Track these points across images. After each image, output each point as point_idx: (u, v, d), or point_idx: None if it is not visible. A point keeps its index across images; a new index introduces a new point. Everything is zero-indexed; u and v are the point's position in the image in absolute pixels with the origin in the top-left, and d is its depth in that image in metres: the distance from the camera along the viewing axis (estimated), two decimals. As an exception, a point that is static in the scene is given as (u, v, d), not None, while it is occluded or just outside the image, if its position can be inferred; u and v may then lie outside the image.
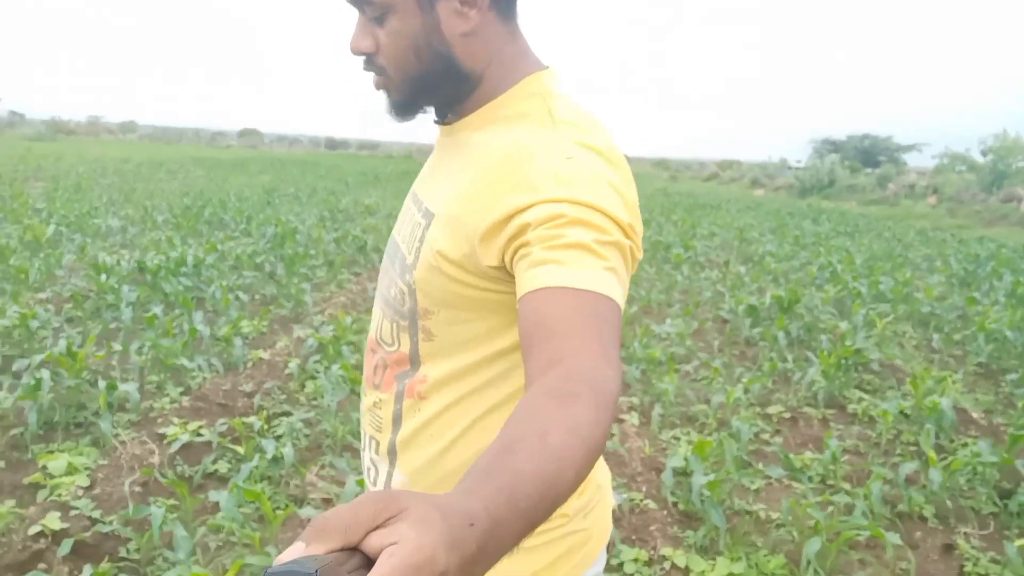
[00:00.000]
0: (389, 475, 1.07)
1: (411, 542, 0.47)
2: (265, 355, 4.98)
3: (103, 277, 5.89)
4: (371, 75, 0.99)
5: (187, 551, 2.55)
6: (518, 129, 0.92)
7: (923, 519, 3.51)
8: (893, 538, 2.91)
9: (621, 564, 2.85)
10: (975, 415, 4.62)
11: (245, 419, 3.78)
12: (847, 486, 3.78)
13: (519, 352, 0.82)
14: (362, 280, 8.12)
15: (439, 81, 0.95)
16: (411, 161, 54.85)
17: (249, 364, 4.83)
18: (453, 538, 0.49)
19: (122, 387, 3.75)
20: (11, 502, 3.02)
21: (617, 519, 3.17)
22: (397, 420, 1.04)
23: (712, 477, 3.11)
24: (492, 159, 0.91)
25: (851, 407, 4.96)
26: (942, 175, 26.74)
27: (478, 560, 0.52)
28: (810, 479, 3.92)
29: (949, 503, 3.55)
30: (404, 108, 0.99)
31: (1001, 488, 3.75)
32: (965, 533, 3.43)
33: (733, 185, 39.67)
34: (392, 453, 1.05)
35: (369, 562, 0.47)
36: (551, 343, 0.73)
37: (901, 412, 4.54)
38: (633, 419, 4.39)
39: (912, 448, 4.34)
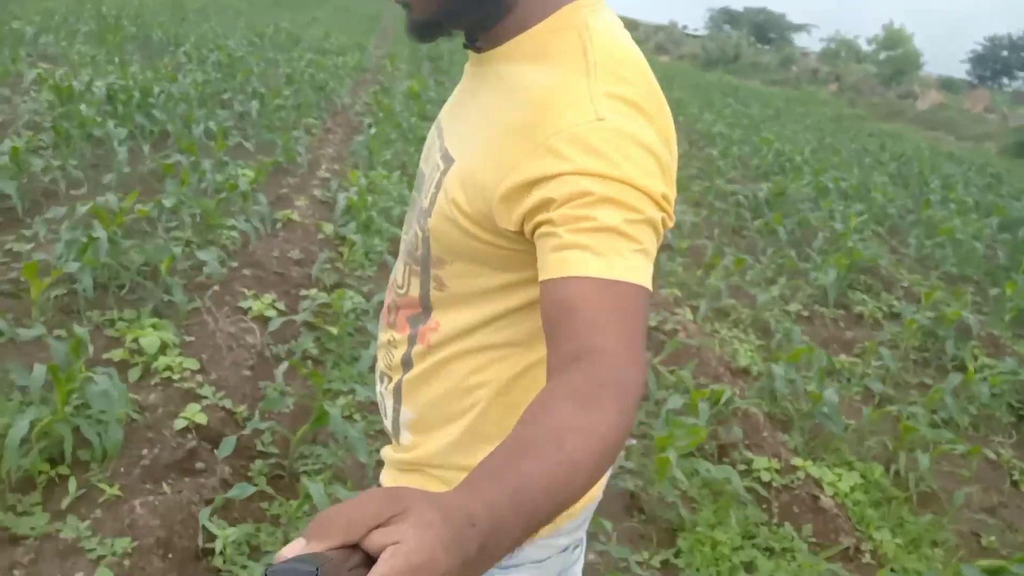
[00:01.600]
0: (396, 411, 1.07)
1: (412, 542, 0.47)
2: (294, 216, 4.63)
3: (82, 107, 5.15)
4: None
5: (365, 453, 2.42)
6: (549, 71, 0.85)
7: (960, 428, 3.84)
8: (988, 452, 3.18)
9: (753, 470, 2.97)
10: (971, 324, 5.01)
11: (330, 294, 3.56)
12: (892, 391, 4.06)
13: (538, 316, 0.80)
14: (331, 126, 7.59)
15: (468, 2, 0.87)
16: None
17: (279, 226, 4.49)
18: (454, 539, 0.49)
19: (200, 254, 3.40)
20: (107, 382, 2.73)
21: (725, 421, 3.25)
22: (407, 362, 1.02)
23: (835, 392, 3.24)
24: (517, 106, 0.84)
25: (856, 308, 5.26)
26: (842, 63, 27.62)
27: (478, 560, 0.52)
28: (849, 380, 4.19)
29: (983, 414, 3.90)
30: (426, 28, 0.91)
31: (1017, 396, 4.16)
32: (999, 442, 3.81)
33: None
34: (398, 392, 1.05)
35: (370, 560, 0.47)
36: (576, 336, 0.72)
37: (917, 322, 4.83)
38: (687, 313, 4.47)
39: (924, 354, 4.69)
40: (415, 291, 0.99)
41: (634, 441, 3.02)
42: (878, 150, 13.17)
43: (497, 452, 0.61)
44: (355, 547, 0.47)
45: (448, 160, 0.92)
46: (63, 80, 5.81)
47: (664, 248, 5.48)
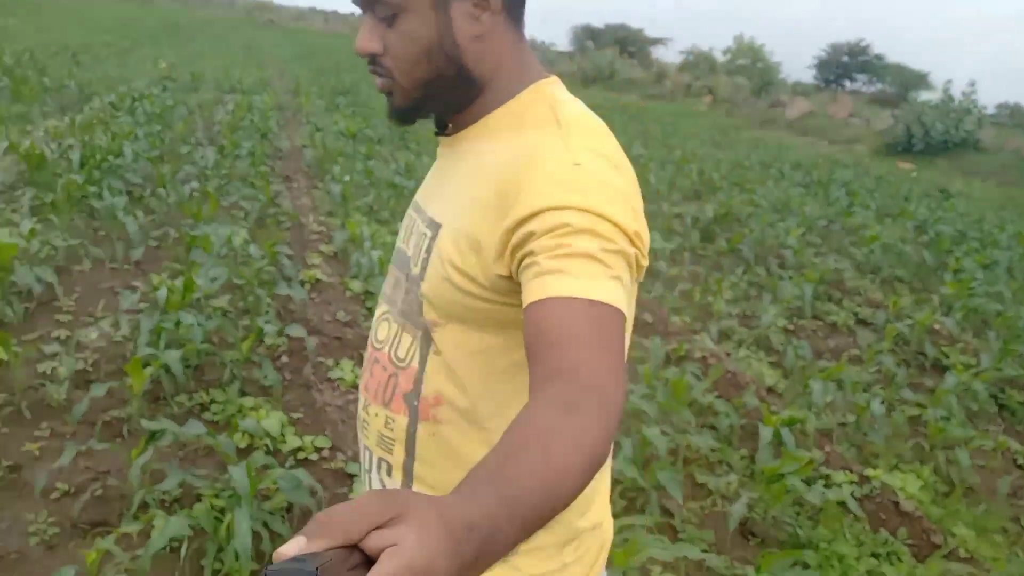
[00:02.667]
0: None
1: (412, 545, 0.47)
2: (320, 275, 4.63)
3: (74, 177, 4.94)
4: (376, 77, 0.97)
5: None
6: (525, 137, 0.92)
7: (960, 423, 4.33)
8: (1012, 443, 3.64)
9: (833, 484, 3.28)
10: (946, 328, 5.61)
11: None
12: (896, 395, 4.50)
13: None
14: (288, 174, 7.51)
15: (448, 85, 0.93)
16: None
17: (307, 287, 4.49)
18: (452, 543, 0.50)
19: (290, 330, 3.39)
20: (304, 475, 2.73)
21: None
22: (411, 442, 1.01)
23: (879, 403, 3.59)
24: (499, 167, 0.90)
25: (829, 319, 5.76)
26: (714, 77, 29.36)
27: (475, 565, 0.53)
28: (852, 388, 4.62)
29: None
30: (407, 113, 0.98)
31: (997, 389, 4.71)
32: (992, 431, 4.32)
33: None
34: (408, 476, 1.03)
35: (369, 561, 0.48)
36: (556, 353, 0.74)
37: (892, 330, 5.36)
38: (705, 340, 4.78)
39: (904, 357, 5.21)
40: (416, 362, 0.99)
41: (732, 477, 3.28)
42: (773, 160, 14.16)
43: (487, 460, 0.62)
44: (354, 548, 0.48)
45: (435, 227, 0.96)
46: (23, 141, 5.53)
47: (657, 277, 5.82)
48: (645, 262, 0.87)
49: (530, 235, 0.81)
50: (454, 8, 0.89)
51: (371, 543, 0.47)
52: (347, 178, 6.76)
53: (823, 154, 17.83)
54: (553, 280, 0.77)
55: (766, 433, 3.27)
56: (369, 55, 0.92)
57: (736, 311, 5.57)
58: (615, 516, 2.73)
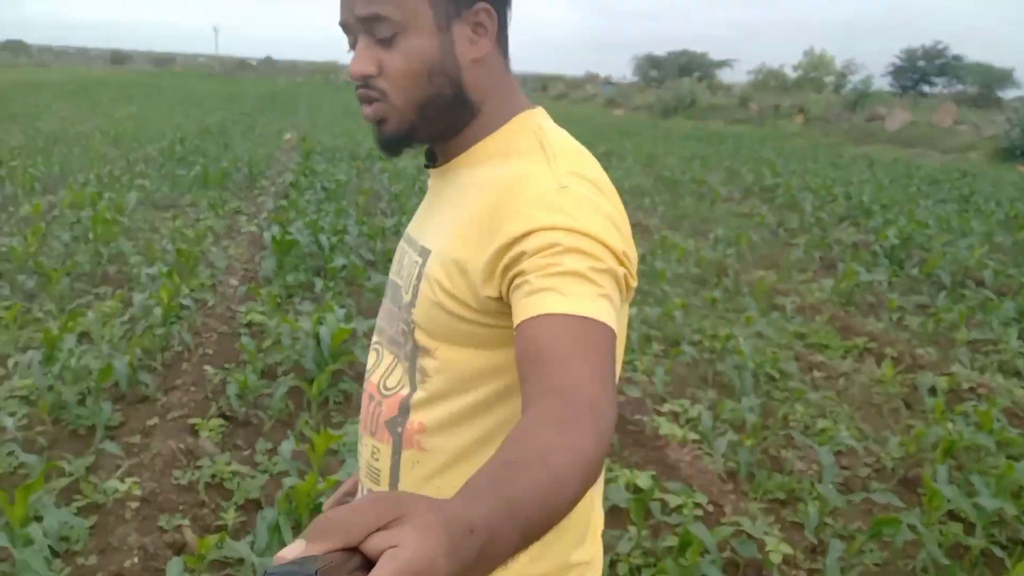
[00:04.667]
0: None
1: (412, 546, 0.48)
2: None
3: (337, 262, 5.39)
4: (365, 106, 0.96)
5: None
6: (512, 163, 0.93)
7: None
8: None
9: None
10: None
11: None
12: None
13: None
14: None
15: (444, 107, 0.94)
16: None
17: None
18: (453, 545, 0.50)
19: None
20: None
21: None
22: (395, 471, 1.01)
23: None
24: (487, 193, 0.92)
25: None
26: (765, 91, 29.06)
27: (476, 568, 0.53)
28: None
29: None
30: (400, 139, 0.97)
31: None
32: None
33: (588, 105, 40.69)
34: None
35: (369, 564, 0.48)
36: (549, 369, 0.75)
37: None
38: (964, 371, 4.86)
39: None
40: (405, 390, 1.00)
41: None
42: (902, 176, 14.04)
43: (484, 470, 0.63)
44: (355, 550, 0.48)
45: (425, 253, 0.97)
46: (273, 229, 6.04)
47: (878, 309, 5.91)
48: (634, 282, 0.89)
49: (520, 255, 0.83)
50: (456, 30, 0.91)
51: (371, 545, 0.48)
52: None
53: (941, 165, 17.55)
54: (544, 298, 0.79)
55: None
56: (364, 77, 0.92)
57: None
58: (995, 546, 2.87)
